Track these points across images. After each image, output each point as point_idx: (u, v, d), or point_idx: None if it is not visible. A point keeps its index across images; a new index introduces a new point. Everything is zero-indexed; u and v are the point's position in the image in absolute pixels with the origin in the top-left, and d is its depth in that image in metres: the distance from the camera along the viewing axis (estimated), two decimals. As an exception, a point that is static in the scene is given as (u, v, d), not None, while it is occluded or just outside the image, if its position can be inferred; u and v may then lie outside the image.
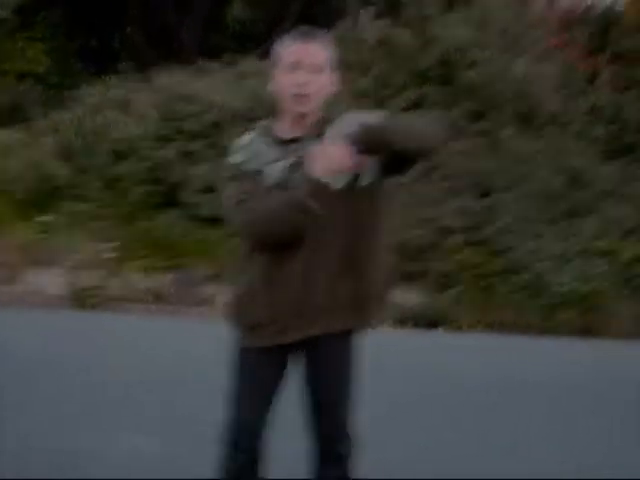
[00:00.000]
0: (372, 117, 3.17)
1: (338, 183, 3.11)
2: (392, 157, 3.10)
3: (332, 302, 3.19)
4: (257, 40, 20.98)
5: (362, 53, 15.13)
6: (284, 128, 3.25)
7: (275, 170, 3.19)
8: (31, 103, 19.16)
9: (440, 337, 12.22)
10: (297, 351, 3.28)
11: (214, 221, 13.64)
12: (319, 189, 3.09)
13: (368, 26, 15.92)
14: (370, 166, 3.13)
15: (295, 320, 3.19)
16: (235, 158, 3.27)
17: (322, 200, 3.08)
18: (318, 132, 3.18)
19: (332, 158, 3.06)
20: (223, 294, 12.88)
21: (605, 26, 16.05)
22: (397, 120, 3.24)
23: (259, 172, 3.21)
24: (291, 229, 3.12)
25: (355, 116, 3.18)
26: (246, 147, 3.26)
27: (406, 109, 14.59)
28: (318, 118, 3.24)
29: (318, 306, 3.18)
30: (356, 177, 3.14)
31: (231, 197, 3.23)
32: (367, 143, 3.04)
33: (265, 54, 16.38)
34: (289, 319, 3.19)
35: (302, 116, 3.21)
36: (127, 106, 14.95)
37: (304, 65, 3.17)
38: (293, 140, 3.21)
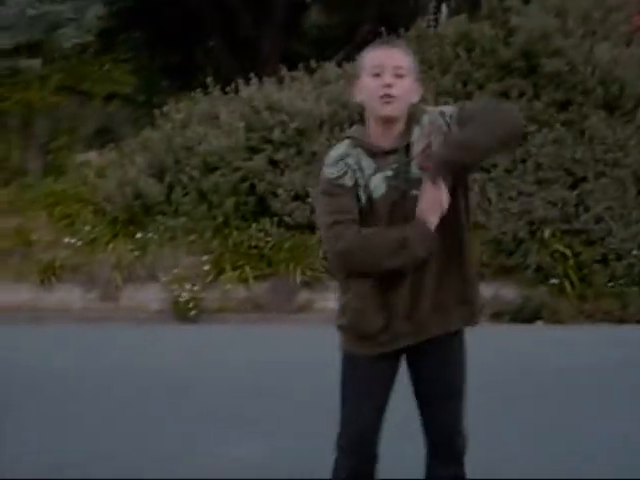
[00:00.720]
0: (450, 110, 3.22)
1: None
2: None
3: (439, 305, 3.22)
4: (336, 45, 21.05)
5: (443, 50, 15.07)
6: (375, 138, 3.24)
7: (374, 183, 3.19)
8: (120, 123, 19.53)
9: (541, 330, 12.11)
10: (409, 355, 3.31)
11: (306, 228, 13.75)
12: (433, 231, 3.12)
13: (447, 22, 15.84)
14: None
15: (406, 326, 3.21)
16: (330, 171, 3.24)
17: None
18: (408, 142, 3.20)
19: (440, 203, 3.09)
20: (320, 300, 12.98)
21: (690, 4, 15.75)
22: (474, 127, 3.13)
23: (357, 187, 3.20)
24: (401, 266, 3.14)
25: (436, 116, 3.21)
26: (341, 160, 3.24)
27: (491, 103, 14.47)
28: (406, 127, 3.24)
29: (427, 311, 3.21)
30: None
31: (326, 214, 3.20)
32: (456, 164, 3.10)
33: (345, 59, 16.43)
34: (400, 326, 3.21)
35: (391, 120, 3.21)
36: (214, 119, 15.12)
37: (388, 68, 3.18)
38: (388, 152, 3.21)
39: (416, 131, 3.21)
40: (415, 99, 3.27)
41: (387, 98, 3.16)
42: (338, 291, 3.37)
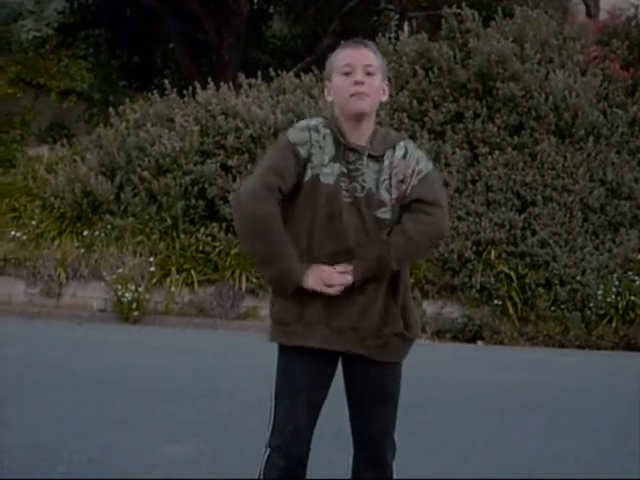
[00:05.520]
0: (422, 167, 3.26)
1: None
2: None
3: (361, 326, 3.26)
4: (296, 56, 21.13)
5: (401, 67, 15.17)
6: (345, 134, 3.24)
7: (328, 171, 3.20)
8: (74, 120, 19.42)
9: (481, 350, 12.21)
10: (343, 359, 3.31)
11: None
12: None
13: (407, 41, 15.95)
14: None
15: (321, 326, 3.22)
16: (292, 135, 3.24)
17: None
18: (374, 146, 3.23)
19: (328, 282, 3.16)
20: (264, 308, 12.97)
21: (645, 38, 15.97)
22: (400, 248, 3.21)
23: (308, 161, 3.20)
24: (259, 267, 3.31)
25: (414, 158, 3.26)
26: (308, 130, 3.23)
27: (445, 123, 14.60)
28: (374, 130, 3.28)
29: (347, 323, 3.25)
30: None
31: (263, 167, 3.24)
32: (370, 278, 3.19)
33: (304, 70, 16.48)
34: (314, 320, 3.23)
35: (361, 117, 3.22)
36: (169, 121, 15.08)
37: (359, 66, 3.22)
38: (352, 149, 3.22)
39: (389, 154, 3.24)
40: (384, 98, 3.32)
41: (359, 96, 3.18)
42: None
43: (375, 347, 3.25)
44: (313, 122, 3.27)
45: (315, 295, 3.18)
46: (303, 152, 3.20)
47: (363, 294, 3.21)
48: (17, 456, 5.16)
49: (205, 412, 6.76)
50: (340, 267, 3.16)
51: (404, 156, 3.25)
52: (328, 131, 3.23)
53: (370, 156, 3.22)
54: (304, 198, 3.21)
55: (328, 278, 3.15)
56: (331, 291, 3.15)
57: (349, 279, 3.16)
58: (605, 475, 5.45)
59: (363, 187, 3.20)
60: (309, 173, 3.20)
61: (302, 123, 3.28)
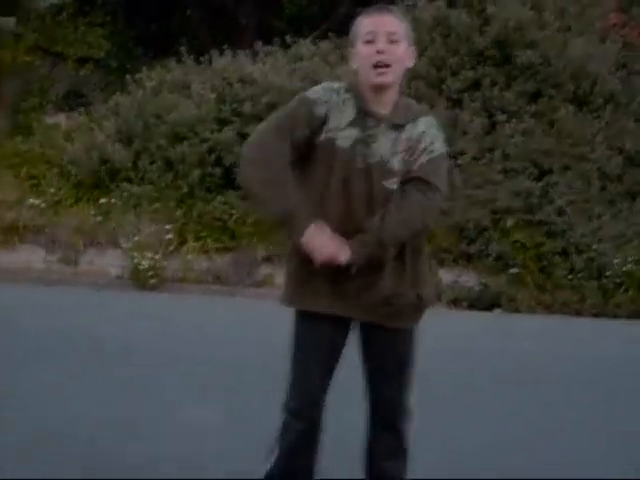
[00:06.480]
0: (436, 147, 3.22)
1: None
2: None
3: (372, 294, 3.25)
4: (313, 23, 21.01)
5: (419, 34, 15.09)
6: (366, 101, 3.21)
7: (345, 134, 3.17)
8: (92, 87, 19.42)
9: (497, 318, 12.21)
10: (359, 328, 3.34)
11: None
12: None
13: (425, 7, 15.86)
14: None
15: (327, 294, 3.23)
16: (311, 93, 3.22)
17: None
18: (395, 116, 3.19)
19: (325, 252, 3.10)
20: (280, 275, 12.98)
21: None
22: (391, 225, 3.15)
23: (324, 120, 3.17)
24: (270, 216, 3.21)
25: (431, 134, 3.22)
26: (329, 91, 3.21)
27: (463, 90, 14.54)
28: (397, 99, 3.24)
29: (353, 292, 3.24)
30: None
31: (278, 118, 3.23)
32: (364, 259, 3.14)
33: (321, 37, 16.40)
34: (320, 288, 3.23)
35: (383, 88, 3.18)
36: (186, 89, 15.08)
37: (381, 34, 3.17)
38: (372, 116, 3.19)
39: (409, 127, 3.20)
40: (410, 64, 3.27)
41: (380, 67, 3.14)
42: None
43: (385, 315, 3.26)
44: (336, 85, 3.25)
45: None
46: (320, 110, 3.17)
47: (368, 266, 3.18)
48: (40, 420, 5.21)
49: (223, 378, 6.81)
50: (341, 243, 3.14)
51: (423, 132, 3.22)
52: (349, 95, 3.20)
53: (389, 125, 3.19)
54: (318, 159, 3.19)
55: (324, 244, 3.11)
56: (318, 259, 3.12)
57: (345, 256, 3.12)
58: (618, 447, 5.46)
59: (377, 154, 3.18)
60: (324, 135, 3.17)
61: (324, 84, 3.27)
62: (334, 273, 3.17)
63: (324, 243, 3.10)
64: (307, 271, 3.21)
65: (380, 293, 3.22)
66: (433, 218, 3.32)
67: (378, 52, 3.15)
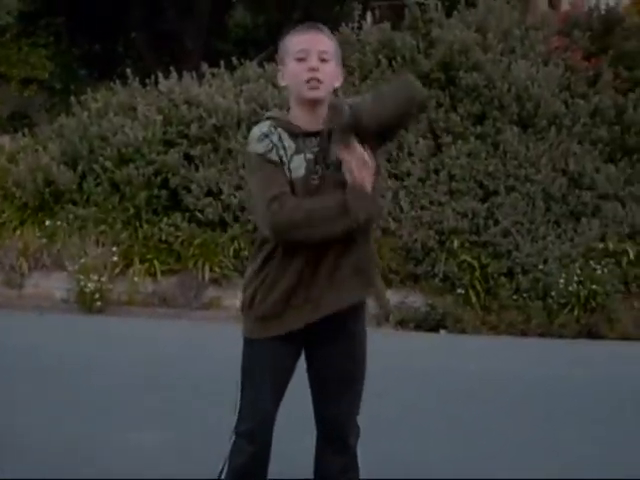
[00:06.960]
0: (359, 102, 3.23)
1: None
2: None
3: (335, 281, 3.24)
4: (259, 46, 21.07)
5: (364, 56, 15.18)
6: (298, 121, 3.24)
7: (296, 164, 3.20)
8: (36, 109, 19.25)
9: (443, 339, 12.26)
10: (307, 338, 3.32)
11: (218, 225, 13.72)
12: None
13: (370, 30, 15.95)
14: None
15: (306, 304, 3.23)
16: (257, 148, 3.23)
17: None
18: (330, 127, 3.20)
19: (365, 162, 3.13)
20: (227, 298, 12.96)
21: (607, 28, 16.06)
22: (376, 94, 3.26)
23: (282, 163, 3.20)
24: (341, 233, 3.16)
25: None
26: (265, 137, 3.23)
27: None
28: (329, 112, 3.24)
29: (322, 287, 3.23)
30: None
31: (263, 190, 3.19)
32: (364, 128, 3.12)
33: (267, 59, 16.42)
34: (301, 305, 3.23)
35: (316, 103, 3.22)
36: (131, 110, 15.00)
37: (313, 52, 3.21)
38: (310, 134, 3.22)
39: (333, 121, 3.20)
40: (337, 84, 3.30)
41: (313, 82, 3.18)
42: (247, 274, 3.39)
43: (351, 289, 3.26)
44: (264, 129, 3.26)
45: (300, 278, 3.19)
46: (274, 157, 3.20)
47: (329, 257, 3.21)
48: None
49: (170, 401, 6.76)
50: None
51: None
52: (280, 130, 3.23)
53: (327, 135, 3.21)
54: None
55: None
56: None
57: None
58: (565, 462, 5.51)
59: (328, 165, 3.21)
60: (288, 175, 3.20)
61: (255, 134, 3.26)
62: (307, 283, 3.20)
63: (359, 162, 3.13)
64: (281, 305, 3.23)
65: (350, 264, 3.24)
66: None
67: (310, 69, 3.19)
